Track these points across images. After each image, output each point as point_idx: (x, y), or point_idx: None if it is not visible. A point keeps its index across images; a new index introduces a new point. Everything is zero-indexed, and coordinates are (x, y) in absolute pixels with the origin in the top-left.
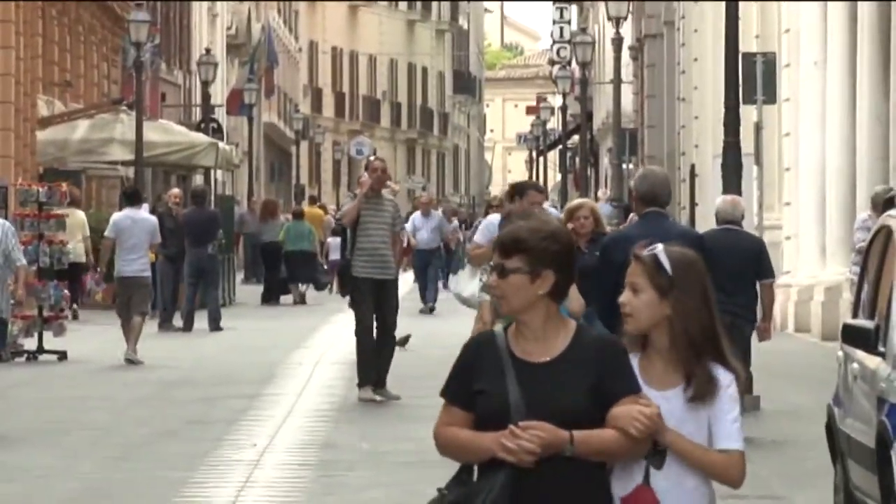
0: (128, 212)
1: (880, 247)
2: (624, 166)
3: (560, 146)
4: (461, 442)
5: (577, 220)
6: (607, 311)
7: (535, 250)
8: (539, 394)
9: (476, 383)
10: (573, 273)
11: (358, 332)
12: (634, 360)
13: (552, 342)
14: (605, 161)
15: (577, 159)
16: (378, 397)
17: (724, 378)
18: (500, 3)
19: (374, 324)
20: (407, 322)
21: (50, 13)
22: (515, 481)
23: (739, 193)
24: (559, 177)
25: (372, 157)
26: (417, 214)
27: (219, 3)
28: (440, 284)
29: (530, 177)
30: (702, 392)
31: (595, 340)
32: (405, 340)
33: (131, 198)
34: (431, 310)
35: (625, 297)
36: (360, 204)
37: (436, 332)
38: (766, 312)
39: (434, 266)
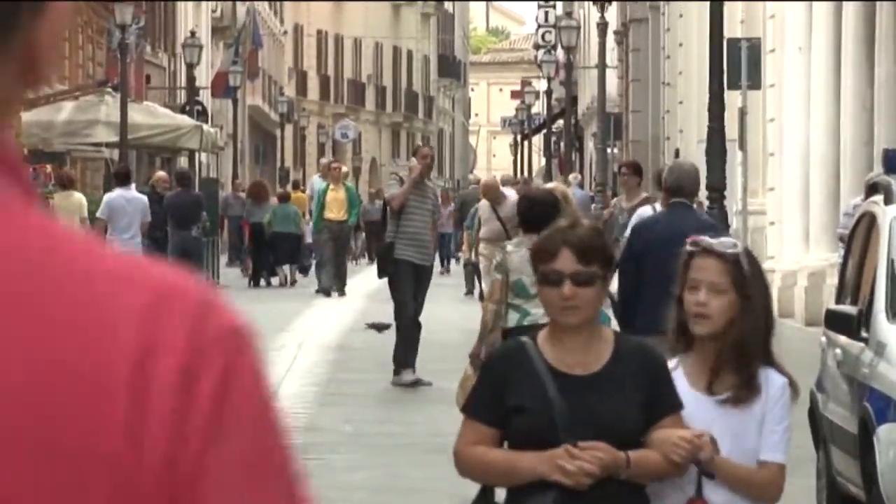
0: (120, 191)
1: (864, 233)
2: (608, 150)
3: (545, 130)
4: (495, 463)
5: None
6: (630, 300)
7: (606, 254)
8: (586, 410)
9: (511, 399)
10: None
11: (400, 317)
12: (674, 362)
13: (594, 353)
14: (589, 145)
15: (562, 143)
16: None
17: (778, 381)
18: None
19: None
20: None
21: None
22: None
23: (724, 179)
24: (544, 161)
25: (420, 144)
26: (316, 177)
27: None
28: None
29: (514, 162)
30: (740, 396)
31: (638, 351)
32: (384, 327)
33: (122, 178)
34: None
35: (704, 297)
36: (409, 189)
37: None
38: None
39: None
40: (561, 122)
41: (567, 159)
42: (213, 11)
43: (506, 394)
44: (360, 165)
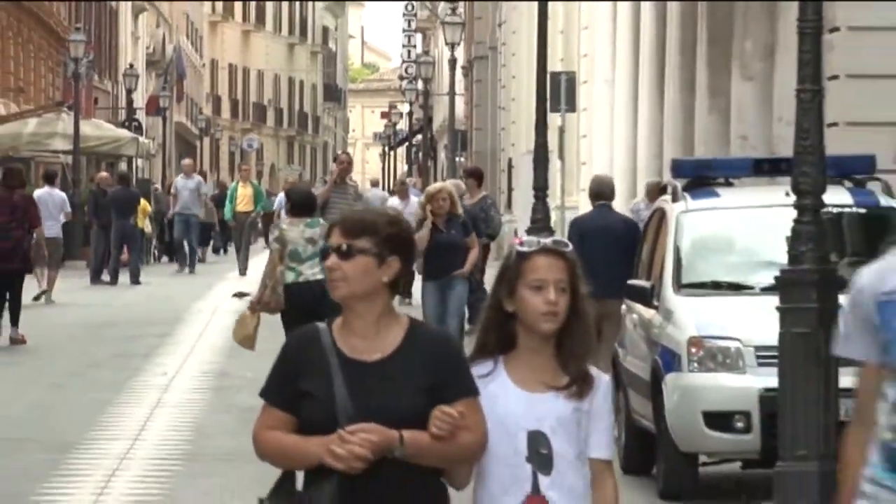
0: (47, 189)
1: (655, 224)
2: (456, 159)
3: (407, 143)
4: (284, 448)
5: (436, 201)
6: None
7: (383, 233)
8: (369, 395)
9: (301, 384)
10: (412, 267)
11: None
12: (490, 365)
13: (384, 338)
14: (441, 155)
15: (421, 154)
16: None
17: (604, 378)
18: (360, 30)
19: None
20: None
21: (7, 34)
22: (345, 489)
23: (546, 182)
24: (406, 167)
25: (339, 152)
26: (178, 178)
27: (140, 28)
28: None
29: (383, 168)
30: (582, 389)
31: (431, 337)
32: (245, 294)
33: (49, 178)
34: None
35: (555, 295)
36: (330, 188)
37: None
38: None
39: (195, 228)
40: (420, 136)
41: (424, 166)
42: (148, 48)
43: (297, 379)
44: (262, 170)
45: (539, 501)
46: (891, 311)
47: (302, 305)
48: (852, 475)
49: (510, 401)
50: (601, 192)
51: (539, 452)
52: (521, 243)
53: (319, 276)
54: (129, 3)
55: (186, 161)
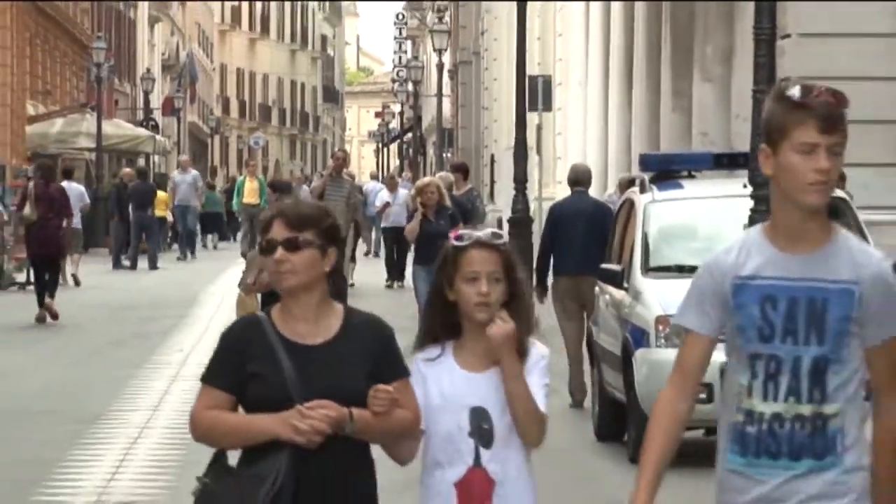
0: (66, 183)
1: (625, 214)
2: (444, 155)
3: (399, 140)
4: (231, 425)
5: (425, 194)
6: (546, 252)
7: (323, 226)
8: (317, 375)
9: (247, 367)
10: (342, 256)
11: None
12: (438, 350)
13: (324, 324)
14: (430, 151)
15: (411, 150)
16: None
17: (540, 349)
18: (356, 38)
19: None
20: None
21: (35, 42)
22: (298, 463)
23: (525, 174)
24: (398, 162)
25: (337, 149)
26: (176, 172)
27: (156, 36)
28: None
29: (377, 163)
30: (523, 364)
31: (367, 323)
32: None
33: (67, 174)
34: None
35: (487, 287)
36: (325, 181)
37: None
38: None
39: (193, 217)
40: (410, 134)
41: (414, 161)
42: (163, 54)
43: (242, 363)
44: (267, 165)
45: (479, 473)
46: (746, 296)
47: None
48: (660, 444)
49: (455, 380)
50: (578, 179)
51: (481, 427)
52: (458, 237)
53: None
54: (146, 13)
55: (183, 157)
